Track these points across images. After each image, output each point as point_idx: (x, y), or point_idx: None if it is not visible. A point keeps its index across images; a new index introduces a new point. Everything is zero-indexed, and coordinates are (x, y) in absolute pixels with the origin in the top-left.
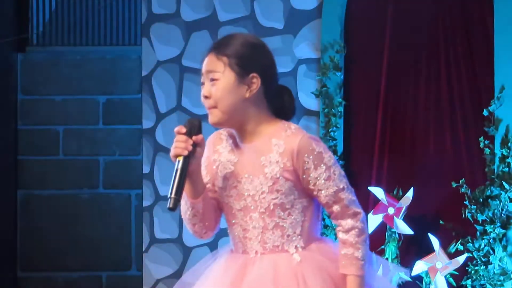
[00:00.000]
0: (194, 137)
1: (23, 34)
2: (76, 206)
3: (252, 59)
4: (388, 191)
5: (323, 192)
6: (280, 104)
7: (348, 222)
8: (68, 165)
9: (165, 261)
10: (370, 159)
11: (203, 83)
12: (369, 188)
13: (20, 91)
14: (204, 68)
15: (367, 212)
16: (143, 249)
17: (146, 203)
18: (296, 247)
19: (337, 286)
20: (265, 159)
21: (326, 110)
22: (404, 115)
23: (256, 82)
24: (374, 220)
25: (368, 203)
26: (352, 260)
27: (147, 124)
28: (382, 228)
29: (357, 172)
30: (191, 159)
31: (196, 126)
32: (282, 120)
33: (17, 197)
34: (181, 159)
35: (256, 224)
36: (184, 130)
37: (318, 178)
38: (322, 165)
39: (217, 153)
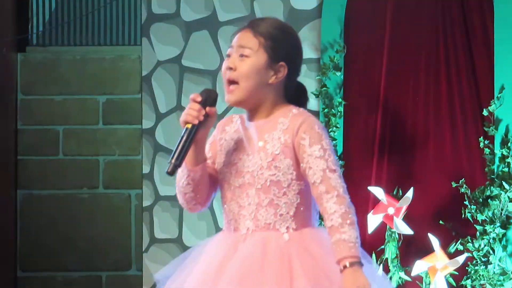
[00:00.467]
0: (208, 109)
1: (23, 34)
2: (76, 206)
3: (286, 48)
4: (388, 191)
5: (312, 169)
6: (295, 98)
7: (331, 206)
8: (68, 165)
9: (165, 261)
10: (370, 159)
11: (229, 56)
12: (369, 188)
13: (20, 91)
14: (236, 41)
15: (367, 212)
16: (143, 249)
17: (146, 203)
18: (287, 227)
19: (324, 271)
20: (268, 136)
21: (326, 110)
22: (403, 115)
23: (283, 71)
24: (374, 220)
25: (368, 203)
26: (340, 244)
27: (147, 124)
28: (382, 228)
29: (356, 172)
30: (200, 128)
31: (212, 97)
32: (292, 105)
33: (17, 197)
34: (189, 126)
35: (251, 201)
36: (199, 98)
37: (311, 155)
38: (318, 144)
39: (224, 132)
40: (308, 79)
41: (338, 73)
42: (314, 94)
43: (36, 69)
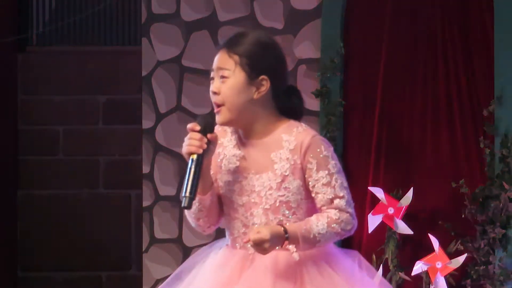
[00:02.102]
0: (209, 135)
1: (23, 34)
2: (76, 206)
3: (263, 61)
4: (388, 191)
5: (319, 195)
6: (288, 104)
7: (335, 212)
8: (68, 165)
9: (165, 261)
10: (370, 159)
11: (213, 78)
12: (369, 188)
13: (20, 91)
14: (215, 64)
15: (366, 212)
16: (143, 249)
17: (146, 203)
18: (296, 246)
19: (336, 286)
20: (275, 156)
21: (326, 110)
22: (403, 115)
23: (265, 84)
24: (374, 220)
25: (366, 204)
26: (307, 223)
27: (147, 124)
28: (382, 228)
29: (356, 172)
30: (204, 156)
31: (210, 123)
32: (291, 120)
33: (17, 197)
34: (194, 157)
35: (258, 220)
36: (198, 127)
37: (318, 181)
38: (325, 169)
39: (221, 146)
40: (308, 79)
41: (338, 73)
42: (314, 94)
43: (36, 69)
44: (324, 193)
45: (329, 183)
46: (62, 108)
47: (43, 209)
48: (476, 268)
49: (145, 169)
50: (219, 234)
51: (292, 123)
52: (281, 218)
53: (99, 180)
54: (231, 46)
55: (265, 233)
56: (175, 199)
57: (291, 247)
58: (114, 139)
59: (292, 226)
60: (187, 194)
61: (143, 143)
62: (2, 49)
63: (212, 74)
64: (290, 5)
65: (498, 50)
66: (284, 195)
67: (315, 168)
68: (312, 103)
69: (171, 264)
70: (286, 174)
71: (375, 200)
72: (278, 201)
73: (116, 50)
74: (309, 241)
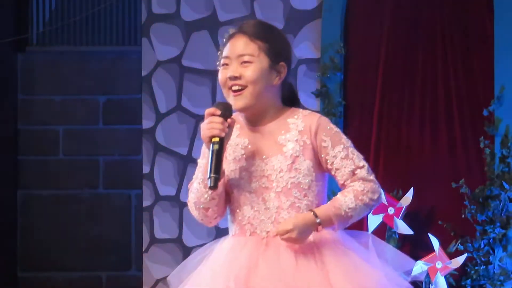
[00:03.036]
0: (229, 120)
1: (23, 34)
2: (76, 206)
3: (282, 48)
4: (388, 191)
5: (341, 171)
6: (289, 94)
7: (359, 184)
8: (68, 165)
9: (165, 261)
10: (370, 159)
11: (226, 64)
12: None
13: (20, 91)
14: (234, 50)
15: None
16: (143, 249)
17: (146, 203)
18: None
19: (355, 266)
20: (283, 138)
21: (326, 110)
22: (403, 115)
23: (283, 71)
24: (374, 220)
25: None
26: (335, 202)
27: (147, 124)
28: (382, 228)
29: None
30: (225, 141)
31: (229, 109)
32: (290, 107)
33: (17, 197)
34: (217, 139)
35: (270, 205)
36: (218, 112)
37: (336, 156)
38: (340, 144)
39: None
40: (308, 79)
41: (338, 73)
42: (314, 94)
43: (36, 69)
44: (345, 167)
45: (347, 156)
46: (62, 108)
47: (43, 209)
48: (476, 268)
49: (145, 169)
50: (220, 234)
51: (294, 109)
52: (294, 200)
53: (99, 180)
54: (251, 32)
55: (287, 223)
56: (175, 199)
57: None
58: (114, 139)
59: (322, 208)
60: (212, 174)
61: (143, 143)
62: (2, 49)
63: (225, 61)
64: (290, 5)
65: (498, 50)
66: (295, 176)
67: (330, 145)
68: (312, 103)
69: (171, 264)
70: (297, 155)
71: None
72: (289, 183)
73: (116, 50)
74: (342, 219)
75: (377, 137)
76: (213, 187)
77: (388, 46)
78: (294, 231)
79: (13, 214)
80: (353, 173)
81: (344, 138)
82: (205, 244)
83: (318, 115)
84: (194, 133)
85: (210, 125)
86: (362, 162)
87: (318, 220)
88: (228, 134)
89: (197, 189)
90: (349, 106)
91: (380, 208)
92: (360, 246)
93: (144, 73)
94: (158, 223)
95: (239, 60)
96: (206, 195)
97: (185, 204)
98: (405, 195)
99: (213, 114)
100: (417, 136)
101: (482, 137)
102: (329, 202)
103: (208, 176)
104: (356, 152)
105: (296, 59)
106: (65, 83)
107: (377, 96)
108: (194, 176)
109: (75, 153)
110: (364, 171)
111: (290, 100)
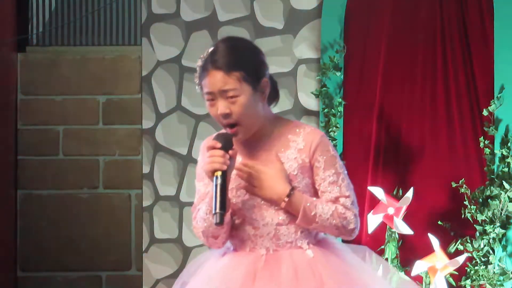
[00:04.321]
0: (230, 152)
1: (23, 34)
2: (76, 206)
3: (259, 65)
4: (388, 191)
5: (325, 194)
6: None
7: (342, 208)
8: (68, 165)
9: (165, 261)
10: (370, 159)
11: (212, 100)
12: (369, 188)
13: (20, 91)
14: (214, 86)
15: (366, 212)
16: (143, 249)
17: (146, 203)
18: (308, 243)
19: (352, 280)
20: (282, 156)
21: (326, 110)
22: (403, 115)
23: (267, 85)
24: (374, 220)
25: (365, 203)
26: (315, 201)
27: (147, 124)
28: (382, 228)
29: (356, 171)
30: (228, 172)
31: (229, 140)
32: (289, 119)
33: (17, 197)
34: (219, 174)
35: (269, 221)
36: (219, 145)
37: (324, 179)
38: (332, 168)
39: None
40: (308, 79)
41: (338, 73)
42: (314, 94)
43: (36, 69)
44: (329, 192)
45: (335, 182)
46: (62, 108)
47: (43, 209)
48: (476, 268)
49: (145, 169)
50: None
51: (296, 123)
52: (293, 217)
53: (99, 180)
54: (225, 65)
55: (264, 168)
56: (175, 199)
57: (304, 244)
58: (114, 139)
59: (299, 196)
60: (218, 210)
61: (143, 143)
62: (2, 49)
63: (210, 97)
64: (290, 5)
65: (498, 50)
66: None
67: (322, 166)
68: (312, 103)
69: (171, 264)
70: (295, 173)
71: (375, 200)
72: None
73: (116, 50)
74: (307, 218)
75: (377, 137)
76: (220, 223)
77: (388, 46)
78: (260, 174)
79: (13, 214)
80: (336, 199)
81: (339, 164)
82: (204, 244)
83: (320, 133)
84: (194, 133)
85: (211, 159)
86: (349, 192)
87: (286, 199)
88: (231, 166)
89: (204, 219)
90: (349, 106)
91: (380, 208)
92: (357, 260)
93: (144, 73)
94: (158, 223)
95: (224, 96)
96: (215, 225)
97: (185, 204)
98: (405, 195)
99: (213, 148)
100: (417, 136)
101: (482, 137)
102: (309, 196)
103: (213, 212)
104: (346, 181)
105: (296, 59)
106: (65, 83)
107: (377, 96)
108: (196, 201)
109: (75, 153)
110: (348, 201)
111: (272, 95)
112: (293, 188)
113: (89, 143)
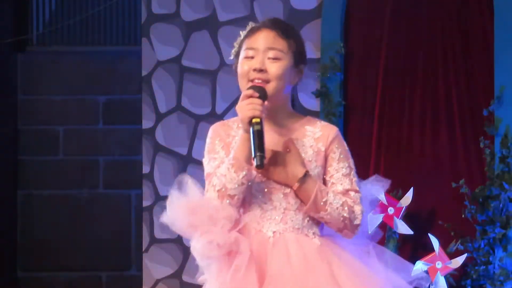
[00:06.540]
0: (266, 102)
1: (23, 34)
2: (76, 206)
3: (304, 51)
4: (388, 192)
5: (336, 186)
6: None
7: (352, 201)
8: (68, 165)
9: (165, 261)
10: (370, 159)
11: (251, 57)
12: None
13: (20, 91)
14: (263, 42)
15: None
16: (143, 249)
17: (146, 203)
18: (313, 233)
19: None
20: (298, 143)
21: (326, 110)
22: (403, 115)
23: (302, 72)
24: (374, 220)
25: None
26: (327, 189)
27: (147, 124)
28: (382, 228)
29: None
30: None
31: (265, 93)
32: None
33: (17, 197)
34: (258, 120)
35: (277, 204)
36: (257, 94)
37: (338, 171)
38: (346, 161)
39: (230, 136)
40: (308, 79)
41: (338, 73)
42: (314, 94)
43: (36, 69)
44: (341, 183)
45: (348, 175)
46: (62, 108)
47: (43, 209)
48: (476, 268)
49: (145, 169)
50: None
51: (311, 118)
52: (301, 203)
53: (99, 180)
54: (285, 30)
55: (298, 152)
56: None
57: (310, 234)
58: (114, 139)
59: (314, 179)
60: (258, 153)
61: (143, 143)
62: (2, 49)
63: (250, 53)
64: (290, 5)
65: (498, 50)
66: None
67: (337, 158)
68: (312, 103)
69: (171, 264)
70: (309, 159)
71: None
72: None
73: (116, 50)
74: (317, 205)
75: (377, 137)
76: (260, 166)
77: (388, 46)
78: (296, 152)
79: (13, 214)
80: (347, 192)
81: (351, 160)
82: None
83: (336, 128)
84: (194, 133)
85: (251, 106)
86: (358, 187)
87: (305, 175)
88: (265, 118)
89: (225, 174)
90: (349, 106)
91: (380, 208)
92: (362, 252)
93: (144, 73)
94: (158, 223)
95: (267, 54)
96: (235, 181)
97: None
98: (405, 195)
99: (251, 96)
100: (417, 136)
101: (482, 137)
102: (323, 185)
103: (253, 156)
104: (357, 178)
105: None
106: (65, 83)
107: (377, 96)
108: (209, 171)
109: (75, 153)
110: (358, 196)
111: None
112: (307, 172)
113: (89, 143)
